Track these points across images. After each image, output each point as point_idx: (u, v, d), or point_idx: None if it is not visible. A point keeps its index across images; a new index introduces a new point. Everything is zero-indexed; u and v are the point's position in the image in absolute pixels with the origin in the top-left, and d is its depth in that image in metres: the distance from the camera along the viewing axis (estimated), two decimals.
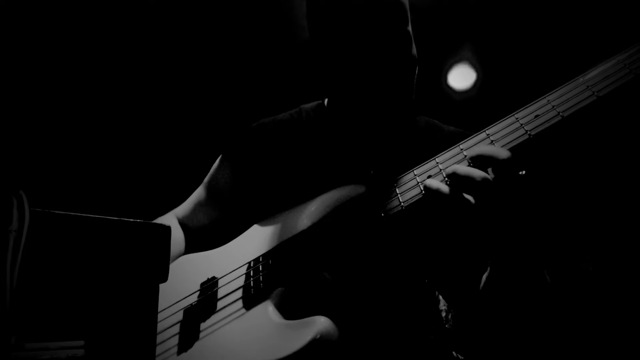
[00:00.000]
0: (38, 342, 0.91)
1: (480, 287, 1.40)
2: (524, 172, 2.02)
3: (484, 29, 3.57)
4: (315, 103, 1.78)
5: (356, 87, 1.51)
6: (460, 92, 3.83)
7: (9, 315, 0.82)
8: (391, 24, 1.46)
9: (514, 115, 1.29)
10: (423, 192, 1.29)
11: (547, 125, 1.23)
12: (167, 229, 1.04)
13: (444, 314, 1.48)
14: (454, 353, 1.45)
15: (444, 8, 3.49)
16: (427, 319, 1.45)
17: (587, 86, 1.22)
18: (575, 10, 3.13)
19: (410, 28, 1.52)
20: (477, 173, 1.18)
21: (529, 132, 1.24)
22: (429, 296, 1.47)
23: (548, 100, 1.25)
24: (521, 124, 1.26)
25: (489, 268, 1.37)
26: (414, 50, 1.54)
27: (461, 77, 3.81)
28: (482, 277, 1.41)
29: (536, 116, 1.24)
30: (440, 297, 1.49)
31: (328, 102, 1.74)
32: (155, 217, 1.87)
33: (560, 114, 1.21)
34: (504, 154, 1.18)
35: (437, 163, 1.33)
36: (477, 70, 3.77)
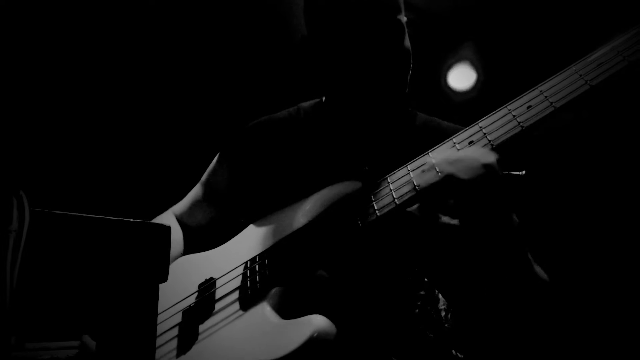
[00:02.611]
0: (38, 342, 0.91)
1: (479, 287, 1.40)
2: (523, 172, 2.03)
3: (484, 28, 3.57)
4: (313, 101, 1.78)
5: (349, 79, 1.51)
6: (460, 93, 3.83)
7: (9, 315, 0.82)
8: (382, 12, 1.46)
9: (506, 106, 1.27)
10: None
11: (540, 116, 1.20)
12: (167, 229, 1.04)
13: (443, 313, 1.48)
14: (453, 352, 1.45)
15: (444, 8, 3.49)
16: (427, 318, 1.45)
17: (580, 75, 1.19)
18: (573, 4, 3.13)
19: (403, 19, 1.53)
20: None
21: (521, 124, 1.22)
22: (429, 295, 1.48)
23: (540, 91, 1.23)
24: (514, 116, 1.24)
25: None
26: (407, 43, 1.54)
27: (461, 77, 3.80)
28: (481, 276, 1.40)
29: (528, 107, 1.23)
30: (440, 295, 1.49)
31: (325, 98, 1.74)
32: (154, 216, 1.87)
33: (553, 104, 1.20)
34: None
35: (431, 158, 1.31)
36: (477, 70, 3.76)
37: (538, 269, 1.37)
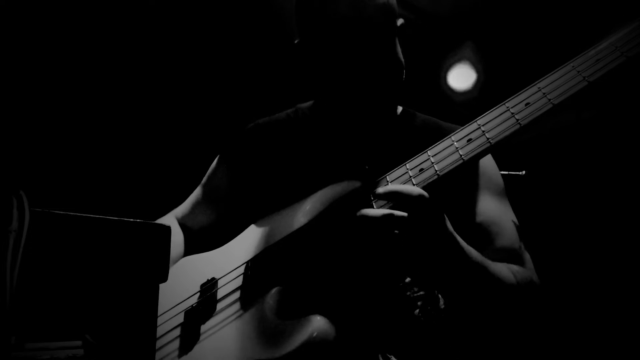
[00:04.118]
0: (38, 342, 0.91)
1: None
2: (523, 172, 2.03)
3: (484, 29, 3.57)
4: (311, 102, 1.79)
5: (338, 87, 1.52)
6: (460, 92, 3.83)
7: (9, 315, 0.82)
8: (373, 26, 1.46)
9: (504, 104, 1.27)
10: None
11: (538, 113, 1.20)
12: (167, 229, 1.05)
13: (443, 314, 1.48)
14: (452, 351, 1.45)
15: (444, 8, 3.49)
16: (427, 318, 1.45)
17: (578, 71, 1.19)
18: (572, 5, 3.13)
19: (398, 22, 1.54)
20: (412, 190, 1.21)
21: (519, 122, 1.21)
22: (428, 295, 1.47)
23: (539, 88, 1.23)
24: (512, 113, 1.23)
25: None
26: (399, 55, 1.55)
27: (461, 77, 3.80)
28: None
29: (527, 104, 1.22)
30: (440, 295, 1.49)
31: (316, 100, 1.75)
32: (155, 218, 1.87)
33: (551, 101, 1.19)
34: (415, 191, 1.19)
35: (429, 156, 1.31)
36: (477, 70, 3.76)
37: (508, 273, 1.39)
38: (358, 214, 1.24)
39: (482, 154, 1.25)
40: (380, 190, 1.23)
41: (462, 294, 1.36)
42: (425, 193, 1.20)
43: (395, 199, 1.22)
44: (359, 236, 1.26)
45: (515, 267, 1.43)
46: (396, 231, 1.20)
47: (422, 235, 1.20)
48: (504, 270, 1.38)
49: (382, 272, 1.45)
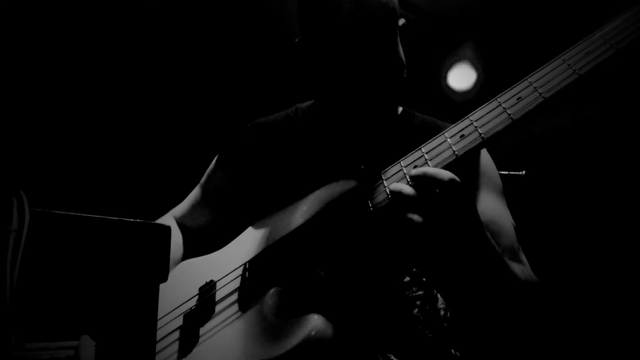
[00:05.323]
0: (38, 342, 0.91)
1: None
2: (523, 172, 2.03)
3: (484, 29, 3.57)
4: (310, 102, 1.78)
5: (340, 87, 1.52)
6: (460, 92, 3.83)
7: (9, 315, 0.82)
8: (374, 26, 1.46)
9: (496, 99, 1.27)
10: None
11: (529, 108, 1.20)
12: (167, 229, 1.05)
13: (442, 312, 1.48)
14: (452, 351, 1.45)
15: (444, 8, 3.49)
16: (425, 317, 1.45)
17: (569, 64, 1.18)
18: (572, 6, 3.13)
19: (399, 22, 1.54)
20: (444, 173, 1.18)
21: (511, 116, 1.21)
22: (427, 294, 1.48)
23: (530, 82, 1.23)
24: (504, 108, 1.23)
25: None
26: (401, 54, 1.55)
27: (461, 77, 3.81)
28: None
29: (518, 99, 1.22)
30: (439, 295, 1.49)
31: (317, 100, 1.75)
32: (154, 218, 1.87)
33: (542, 95, 1.18)
34: (446, 175, 1.18)
35: (423, 152, 1.31)
36: (477, 70, 3.76)
37: (519, 269, 1.38)
38: (392, 187, 1.22)
39: (475, 149, 1.25)
40: (413, 172, 1.22)
41: (478, 288, 1.34)
42: (456, 177, 1.19)
43: (426, 182, 1.20)
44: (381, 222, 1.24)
45: (520, 266, 1.43)
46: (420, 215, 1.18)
47: (452, 217, 1.19)
48: (515, 266, 1.38)
49: (381, 270, 1.45)
